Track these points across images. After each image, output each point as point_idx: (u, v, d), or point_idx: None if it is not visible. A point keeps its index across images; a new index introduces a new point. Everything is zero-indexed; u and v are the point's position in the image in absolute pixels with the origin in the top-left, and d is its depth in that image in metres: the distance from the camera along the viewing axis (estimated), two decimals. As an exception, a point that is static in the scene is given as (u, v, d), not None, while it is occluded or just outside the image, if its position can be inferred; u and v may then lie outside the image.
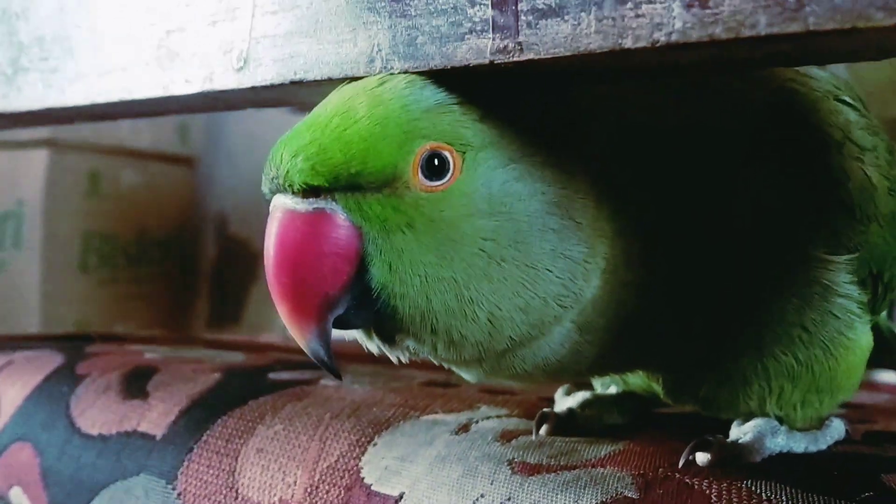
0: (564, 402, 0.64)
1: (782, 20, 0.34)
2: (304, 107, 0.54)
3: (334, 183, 0.44)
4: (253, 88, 0.50)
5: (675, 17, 0.36)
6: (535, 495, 0.50)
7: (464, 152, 0.45)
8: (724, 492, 0.48)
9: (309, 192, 0.45)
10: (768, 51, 0.39)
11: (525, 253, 0.46)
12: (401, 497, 0.54)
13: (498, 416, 0.63)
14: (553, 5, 0.39)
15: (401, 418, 0.62)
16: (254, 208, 2.36)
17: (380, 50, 0.45)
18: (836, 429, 0.60)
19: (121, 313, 2.19)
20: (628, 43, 0.37)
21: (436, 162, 0.45)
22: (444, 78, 0.46)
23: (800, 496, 0.48)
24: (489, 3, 0.41)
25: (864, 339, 0.57)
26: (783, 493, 0.48)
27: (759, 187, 0.52)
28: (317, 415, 0.64)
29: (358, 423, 0.62)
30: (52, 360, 0.81)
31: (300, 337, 0.46)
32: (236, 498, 0.61)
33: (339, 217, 0.45)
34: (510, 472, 0.53)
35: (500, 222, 0.46)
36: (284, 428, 0.63)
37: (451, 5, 0.42)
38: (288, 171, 0.45)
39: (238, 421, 0.65)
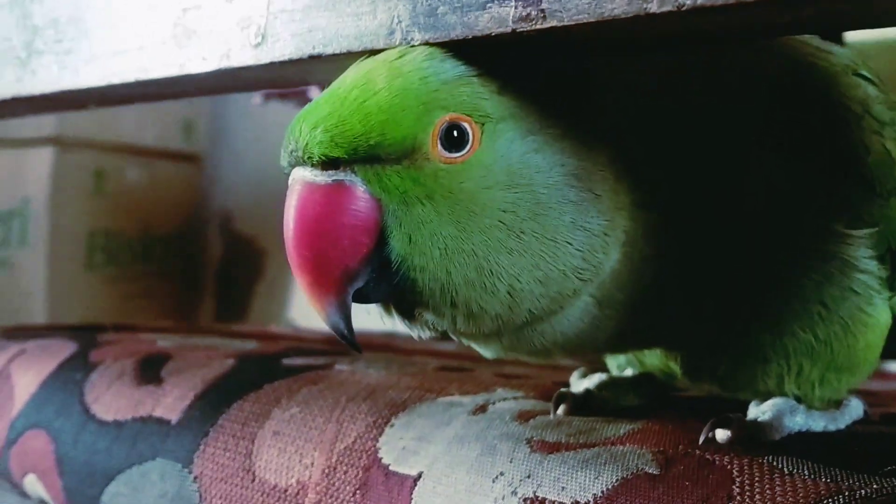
0: (581, 383, 0.64)
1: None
2: (322, 86, 0.54)
3: (353, 154, 0.44)
4: (270, 64, 0.50)
5: (700, -19, 0.36)
6: (555, 472, 0.50)
7: (483, 124, 0.45)
8: (745, 467, 0.48)
9: (328, 164, 0.45)
10: (792, 16, 0.38)
11: (544, 225, 0.46)
12: (419, 476, 0.54)
13: (514, 398, 0.62)
14: (576, -29, 0.39)
15: (417, 400, 0.62)
16: (259, 205, 2.36)
17: (400, 21, 0.45)
18: (855, 408, 0.59)
19: (127, 310, 2.19)
20: (653, 7, 0.37)
21: (455, 133, 0.45)
22: (462, 50, 0.46)
23: (822, 470, 0.47)
24: (511, -29, 0.41)
25: (883, 316, 0.56)
26: (805, 467, 0.48)
27: (774, 162, 0.52)
28: (333, 397, 0.64)
29: (374, 406, 0.61)
30: (65, 348, 0.81)
31: (320, 309, 0.46)
32: (253, 480, 0.61)
33: (359, 189, 0.45)
34: (529, 450, 0.53)
35: (519, 194, 0.46)
36: (301, 411, 0.63)
37: (472, -26, 0.42)
38: (307, 144, 0.45)
39: (254, 404, 0.65)
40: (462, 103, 0.45)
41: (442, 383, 0.65)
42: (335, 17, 0.47)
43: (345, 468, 0.57)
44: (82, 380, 0.75)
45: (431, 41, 0.45)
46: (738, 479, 0.47)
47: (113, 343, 0.81)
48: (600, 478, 0.49)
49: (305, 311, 2.14)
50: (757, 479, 0.47)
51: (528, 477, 0.50)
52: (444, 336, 0.50)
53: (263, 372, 0.70)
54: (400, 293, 0.46)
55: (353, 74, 0.46)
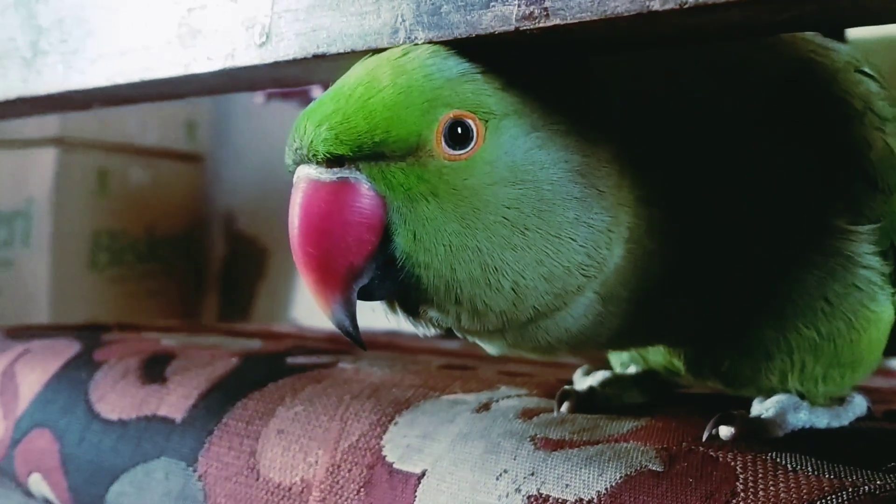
0: (584, 381, 0.64)
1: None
2: (325, 85, 0.54)
3: (358, 152, 0.44)
4: (275, 64, 0.50)
5: (702, -21, 0.36)
6: (559, 470, 0.50)
7: (486, 120, 0.45)
8: (749, 463, 0.48)
9: (333, 161, 0.45)
10: (793, 14, 0.39)
11: (548, 221, 0.46)
12: (423, 474, 0.54)
13: (518, 396, 0.63)
14: (579, -30, 0.39)
15: (421, 398, 0.62)
16: (262, 205, 2.36)
17: (403, 20, 0.45)
18: (858, 405, 0.60)
19: (130, 310, 2.19)
20: (656, 5, 0.37)
21: (459, 130, 0.45)
22: (466, 48, 0.46)
23: (825, 466, 0.47)
24: (514, -31, 0.41)
25: (886, 311, 0.56)
26: (808, 464, 0.48)
27: (776, 159, 0.52)
28: (337, 396, 0.64)
29: (378, 404, 0.62)
30: (69, 348, 0.81)
31: (325, 307, 0.46)
32: (257, 478, 0.61)
33: (364, 186, 0.45)
34: (533, 447, 0.53)
35: (523, 190, 0.46)
36: (305, 409, 0.63)
37: (476, -27, 0.42)
38: (312, 141, 0.45)
39: (258, 403, 0.66)
40: (466, 100, 0.45)
41: (446, 381, 0.66)
42: (339, 17, 0.47)
43: (349, 466, 0.57)
44: (87, 379, 0.75)
45: (435, 40, 0.45)
46: (741, 476, 0.47)
47: (117, 342, 0.82)
48: (604, 475, 0.49)
49: (308, 310, 2.15)
50: (760, 475, 0.47)
51: (532, 474, 0.51)
52: (449, 333, 0.50)
53: (267, 371, 0.70)
54: (404, 290, 0.47)
55: (356, 72, 0.47)
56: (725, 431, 0.52)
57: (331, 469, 0.58)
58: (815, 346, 0.55)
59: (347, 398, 0.63)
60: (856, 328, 0.55)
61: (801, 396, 0.57)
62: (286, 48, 0.50)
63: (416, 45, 0.46)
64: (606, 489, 0.48)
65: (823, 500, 0.44)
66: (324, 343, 0.86)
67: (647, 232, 0.49)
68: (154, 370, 0.74)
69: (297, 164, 0.46)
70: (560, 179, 0.46)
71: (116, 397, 0.72)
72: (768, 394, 0.57)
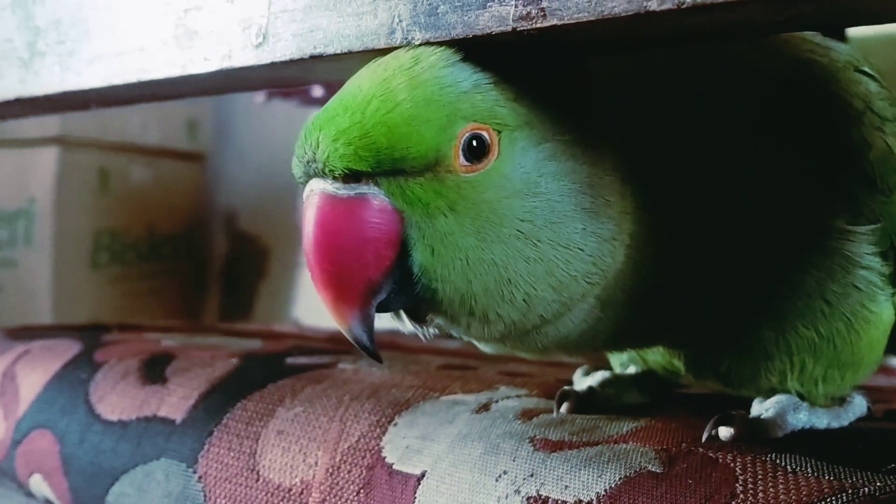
0: (584, 381, 0.64)
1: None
2: (322, 84, 0.54)
3: (377, 168, 0.44)
4: (272, 65, 0.50)
5: (699, -21, 0.36)
6: (558, 471, 0.50)
7: (500, 132, 0.45)
8: (748, 465, 0.48)
9: (350, 176, 0.44)
10: (792, 13, 0.38)
11: (558, 233, 0.46)
12: (423, 475, 0.54)
13: (518, 396, 0.62)
14: (576, -30, 0.39)
15: (420, 399, 0.62)
16: (263, 204, 2.36)
17: (400, 21, 0.45)
18: (859, 405, 0.59)
19: (132, 310, 2.19)
20: (653, 5, 0.37)
21: (474, 143, 0.45)
22: (472, 55, 0.46)
23: (825, 468, 0.47)
24: (510, -30, 0.41)
25: (886, 312, 0.56)
26: (808, 465, 0.48)
27: (776, 159, 0.52)
28: (336, 397, 0.64)
29: (378, 404, 0.61)
30: (70, 349, 0.81)
31: (343, 323, 0.45)
32: (257, 480, 0.61)
33: (382, 202, 0.44)
34: (532, 448, 0.53)
35: (536, 202, 0.46)
36: (304, 410, 0.63)
37: (472, -27, 0.42)
38: (328, 156, 0.44)
39: (258, 404, 0.65)
40: (482, 112, 0.45)
41: (445, 382, 0.65)
42: (336, 17, 0.47)
43: (348, 467, 0.57)
44: (87, 380, 0.75)
45: (432, 40, 0.45)
46: (741, 477, 0.47)
47: (118, 343, 0.81)
48: (603, 476, 0.49)
49: (310, 309, 2.15)
50: (760, 476, 0.47)
51: (531, 475, 0.50)
52: (448, 334, 0.50)
53: (268, 371, 0.70)
54: (418, 302, 0.46)
55: (368, 83, 0.46)
56: (725, 432, 0.52)
57: (330, 470, 0.58)
58: (814, 347, 0.55)
59: (347, 399, 0.63)
60: (855, 329, 0.55)
61: (801, 397, 0.56)
62: (283, 49, 0.50)
63: (425, 50, 0.45)
64: (606, 490, 0.48)
65: (823, 502, 0.44)
66: (324, 343, 0.86)
67: (647, 237, 0.49)
68: (154, 371, 0.74)
69: (309, 177, 0.45)
70: (570, 191, 0.46)
71: (117, 398, 0.72)
72: (768, 394, 0.57)
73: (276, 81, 0.61)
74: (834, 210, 0.53)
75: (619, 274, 0.49)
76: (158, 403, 0.69)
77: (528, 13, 0.40)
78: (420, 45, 0.46)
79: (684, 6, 0.36)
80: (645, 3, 0.36)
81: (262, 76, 0.54)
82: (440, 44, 0.45)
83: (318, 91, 1.63)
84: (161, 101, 0.67)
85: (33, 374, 0.79)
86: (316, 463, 0.59)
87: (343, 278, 0.45)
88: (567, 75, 0.49)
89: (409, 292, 0.46)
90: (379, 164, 0.44)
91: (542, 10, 0.40)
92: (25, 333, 0.88)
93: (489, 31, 0.42)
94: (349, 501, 0.56)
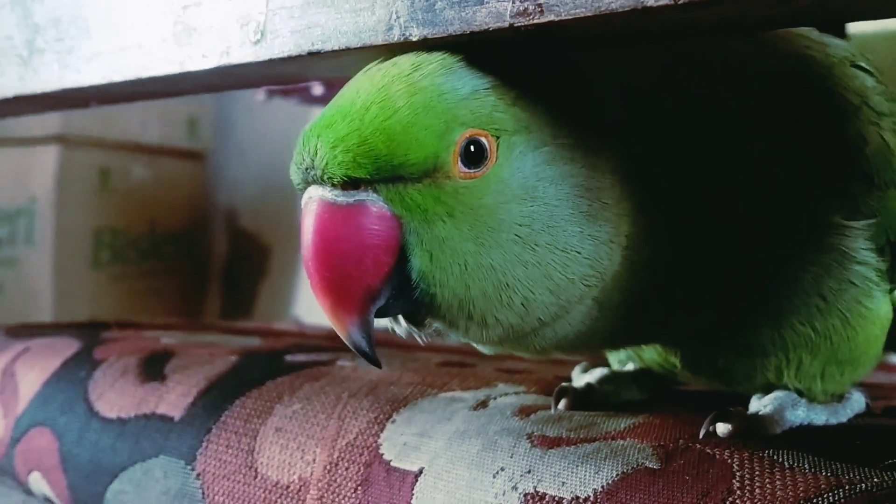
0: (582, 378, 0.64)
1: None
2: (321, 81, 0.54)
3: (376, 175, 0.44)
4: (270, 61, 0.50)
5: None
6: (556, 467, 0.50)
7: (498, 137, 0.45)
8: (745, 461, 0.48)
9: (348, 183, 0.44)
10: (788, 9, 0.38)
11: (556, 237, 0.46)
12: (420, 472, 0.54)
13: (516, 393, 0.62)
14: (573, -35, 0.39)
15: (419, 396, 0.62)
16: (264, 202, 2.36)
17: (398, 17, 0.45)
18: (857, 402, 0.59)
19: (133, 308, 2.19)
20: (650, 1, 0.37)
21: (472, 149, 0.45)
22: (471, 57, 0.46)
23: (822, 464, 0.47)
24: (508, -35, 0.41)
25: (883, 308, 0.56)
26: (805, 461, 0.48)
27: (772, 155, 0.52)
28: (335, 394, 0.64)
29: (376, 401, 0.61)
30: (69, 346, 0.81)
31: (342, 330, 0.45)
32: (255, 477, 0.61)
33: (381, 208, 0.44)
34: (530, 445, 0.53)
35: (534, 207, 0.46)
36: (303, 407, 0.63)
37: (470, -31, 0.42)
38: (327, 163, 0.44)
39: (256, 401, 0.65)
40: (480, 118, 0.45)
41: (443, 379, 0.65)
42: (334, 14, 0.47)
43: (346, 464, 0.57)
44: (86, 377, 0.75)
45: (430, 37, 0.45)
46: (738, 473, 0.47)
47: (117, 341, 0.81)
48: (600, 472, 0.49)
49: (310, 307, 2.15)
50: (757, 473, 0.47)
51: (529, 472, 0.50)
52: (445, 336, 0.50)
53: (266, 369, 0.70)
54: (417, 307, 0.46)
55: (366, 89, 0.45)
56: (723, 428, 0.52)
57: (328, 467, 0.58)
58: (811, 343, 0.55)
59: (345, 396, 0.63)
60: (851, 325, 0.55)
61: (800, 393, 0.56)
62: (281, 46, 0.50)
63: (425, 56, 0.45)
64: (603, 487, 0.48)
65: (820, 498, 0.44)
66: (324, 340, 0.86)
67: (644, 237, 0.49)
68: (153, 368, 0.74)
69: (308, 183, 0.45)
70: (568, 195, 0.46)
71: (115, 395, 0.72)
72: (767, 390, 0.57)
73: (275, 78, 0.61)
74: (830, 206, 0.53)
75: (616, 275, 0.49)
76: (157, 401, 0.69)
77: (526, 9, 0.40)
78: (420, 51, 0.46)
79: (681, 1, 0.36)
80: (642, -1, 0.36)
81: (260, 73, 0.54)
82: (440, 47, 0.45)
83: (318, 89, 1.63)
84: (160, 98, 0.67)
85: (32, 371, 0.79)
86: (314, 460, 0.59)
87: (342, 285, 0.45)
88: (565, 75, 0.49)
89: (408, 297, 0.46)
90: (378, 171, 0.44)
91: (540, 6, 0.40)
92: (25, 331, 0.88)
93: (486, 28, 0.42)
94: (347, 498, 0.56)
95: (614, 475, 0.48)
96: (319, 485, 0.58)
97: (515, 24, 0.41)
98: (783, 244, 0.53)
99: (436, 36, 0.44)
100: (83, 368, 0.76)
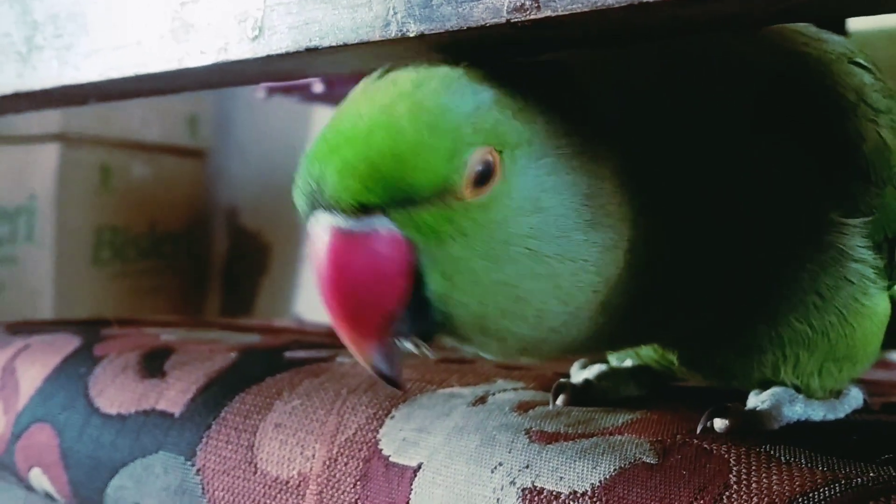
0: (581, 374, 0.64)
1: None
2: (325, 79, 0.54)
3: (387, 199, 0.43)
4: (268, 58, 0.50)
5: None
6: (553, 462, 0.50)
7: (501, 151, 0.45)
8: (742, 456, 0.48)
9: (358, 209, 0.43)
10: (786, 4, 0.38)
11: (564, 246, 0.46)
12: (419, 467, 0.54)
13: (514, 389, 0.63)
14: (570, -39, 0.39)
15: (417, 392, 0.62)
16: (264, 200, 2.37)
17: (395, 13, 0.45)
18: (855, 398, 0.60)
19: (133, 306, 2.20)
20: (646, -3, 0.37)
21: (479, 168, 0.44)
22: (471, 67, 0.45)
23: (819, 459, 0.48)
24: (505, -38, 0.41)
25: (880, 305, 0.56)
26: (802, 456, 0.48)
27: (769, 153, 0.52)
28: (334, 390, 0.64)
29: (375, 397, 0.62)
30: (69, 343, 0.81)
31: (363, 357, 0.45)
32: (255, 472, 0.61)
33: (393, 232, 0.44)
34: (528, 440, 0.53)
35: (540, 219, 0.45)
36: (302, 403, 0.63)
37: (467, -35, 0.42)
38: (336, 190, 0.43)
39: (256, 397, 0.66)
40: (485, 135, 0.44)
41: (442, 375, 0.66)
42: (331, 10, 0.47)
43: (345, 459, 0.58)
44: (87, 374, 0.75)
45: (427, 32, 0.45)
46: (734, 469, 0.47)
47: (117, 337, 0.82)
48: (598, 467, 0.49)
49: (311, 305, 2.15)
50: (754, 468, 0.47)
51: (527, 467, 0.51)
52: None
53: (266, 365, 0.71)
54: (431, 326, 0.46)
55: (368, 109, 0.45)
56: (720, 424, 0.52)
57: (328, 462, 0.58)
58: (808, 340, 0.55)
59: (345, 392, 0.63)
60: (849, 322, 0.55)
61: (798, 390, 0.57)
62: (279, 42, 0.50)
63: (425, 73, 0.45)
64: (600, 482, 0.48)
65: (816, 493, 0.44)
66: (323, 337, 0.87)
67: (644, 239, 0.49)
68: (153, 364, 0.74)
69: (315, 209, 0.45)
70: (572, 204, 0.46)
71: (116, 392, 0.72)
72: (764, 387, 0.57)
73: (273, 75, 0.61)
74: (828, 204, 0.53)
75: (619, 279, 0.49)
76: (157, 397, 0.70)
77: (523, 4, 0.40)
78: (414, 48, 0.45)
79: (676, -3, 0.36)
80: (638, -5, 0.36)
81: (258, 69, 0.54)
82: (438, 42, 0.45)
83: (318, 87, 1.63)
84: (159, 94, 0.67)
85: (33, 368, 0.79)
86: (313, 455, 0.59)
87: (360, 313, 0.44)
88: (562, 77, 0.48)
89: (424, 318, 0.45)
90: (388, 195, 0.43)
91: (537, 1, 0.40)
92: (25, 328, 0.89)
93: (483, 23, 0.42)
94: (346, 493, 0.56)
95: (612, 470, 0.48)
96: (319, 480, 0.58)
97: (512, 20, 0.41)
98: (781, 242, 0.53)
99: (433, 31, 0.44)
100: (83, 365, 0.77)
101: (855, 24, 1.16)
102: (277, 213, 2.33)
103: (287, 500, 0.59)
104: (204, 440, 0.64)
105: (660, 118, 0.50)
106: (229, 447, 0.63)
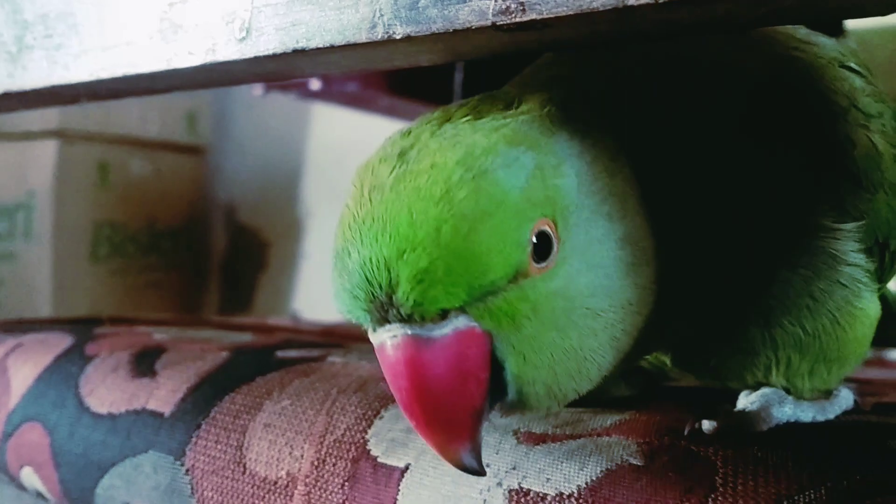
0: (571, 375, 0.63)
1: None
2: (306, 78, 0.54)
3: (467, 300, 0.41)
4: (256, 59, 0.50)
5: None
6: (541, 464, 0.50)
7: (555, 218, 0.43)
8: (729, 458, 0.48)
9: (439, 315, 0.41)
10: (773, 7, 0.38)
11: (614, 296, 0.45)
12: (407, 468, 0.54)
13: (505, 390, 0.62)
14: (555, -36, 0.39)
15: (408, 392, 0.62)
16: (263, 197, 2.37)
17: (382, 15, 0.44)
18: (845, 399, 0.60)
19: (132, 302, 2.20)
20: (631, 0, 0.37)
21: (537, 241, 0.42)
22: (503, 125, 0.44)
23: (806, 461, 0.47)
24: (490, -36, 0.41)
25: (871, 308, 0.56)
26: (790, 458, 0.48)
27: (760, 158, 0.52)
28: (324, 390, 0.64)
29: (365, 398, 0.62)
30: (61, 342, 0.81)
31: (455, 459, 0.43)
32: (244, 472, 0.61)
33: (473, 329, 0.42)
34: (515, 441, 0.53)
35: (594, 275, 0.45)
36: (292, 403, 0.63)
37: (453, -32, 0.42)
38: (415, 301, 0.40)
39: (246, 397, 0.66)
40: (541, 206, 0.42)
41: (433, 375, 0.65)
42: (318, 11, 0.47)
43: (334, 460, 0.57)
44: (78, 373, 0.75)
45: (413, 35, 0.45)
46: (721, 471, 0.47)
47: (109, 336, 0.82)
48: (585, 469, 0.49)
49: (309, 302, 2.15)
50: (741, 470, 0.47)
51: (514, 468, 0.51)
52: None
53: (257, 364, 0.70)
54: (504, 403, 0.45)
55: (418, 203, 0.41)
56: (707, 425, 0.52)
57: (316, 463, 0.58)
58: (800, 343, 0.55)
59: (334, 392, 0.63)
60: (841, 325, 0.55)
61: (788, 391, 0.57)
62: (266, 43, 0.50)
63: (465, 145, 0.42)
64: (587, 483, 0.48)
65: (802, 495, 0.44)
66: (316, 336, 0.87)
67: (653, 260, 0.48)
68: (144, 364, 0.74)
69: (383, 321, 0.42)
70: (613, 251, 0.45)
71: (106, 391, 0.72)
72: (755, 388, 0.57)
73: (261, 76, 0.61)
74: (820, 209, 0.53)
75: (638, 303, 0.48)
76: (147, 396, 0.70)
77: (508, 7, 0.40)
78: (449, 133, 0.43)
79: (661, 1, 0.36)
80: (622, -2, 0.36)
81: (246, 70, 0.54)
82: (423, 44, 0.44)
83: (315, 84, 1.63)
84: (149, 94, 0.67)
85: (25, 367, 0.79)
86: (302, 456, 0.59)
87: (451, 419, 0.42)
88: (572, 114, 0.47)
89: (502, 398, 0.44)
90: (469, 295, 0.41)
91: (521, 4, 0.40)
92: (18, 327, 0.89)
93: (469, 26, 0.42)
94: (334, 494, 0.56)
95: (598, 472, 0.48)
96: (307, 480, 0.58)
97: (498, 23, 0.41)
98: (775, 247, 0.53)
99: (419, 34, 0.44)
100: (75, 364, 0.77)
101: (852, 22, 1.16)
102: (276, 210, 2.33)
103: (275, 500, 0.59)
104: (193, 440, 0.64)
105: (656, 132, 0.49)
106: (219, 447, 0.63)
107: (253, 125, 2.34)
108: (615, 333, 0.46)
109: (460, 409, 0.42)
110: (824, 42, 0.56)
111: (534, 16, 0.40)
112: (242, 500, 0.60)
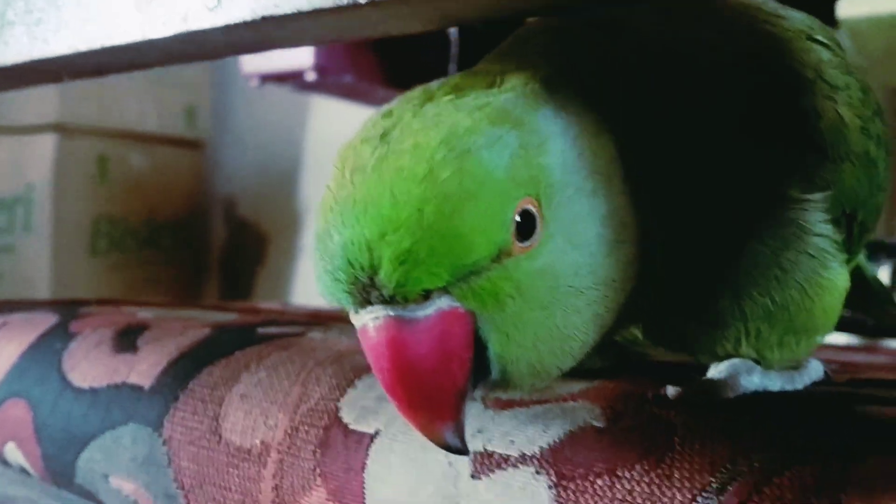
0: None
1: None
2: (279, 48, 0.55)
3: (450, 280, 0.41)
4: (227, 28, 0.50)
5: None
6: (506, 426, 0.51)
7: (538, 196, 0.43)
8: (690, 422, 0.48)
9: (422, 296, 0.41)
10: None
11: (597, 274, 0.46)
12: (376, 433, 0.55)
13: (479, 362, 0.63)
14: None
15: (382, 364, 0.62)
16: (262, 191, 2.37)
17: (346, -20, 0.45)
18: (815, 369, 0.60)
19: (131, 297, 2.21)
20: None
21: (519, 219, 0.42)
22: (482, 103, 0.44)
23: (769, 425, 0.48)
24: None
25: (840, 279, 0.57)
26: (749, 421, 0.48)
27: (728, 130, 0.52)
28: (300, 362, 0.64)
29: (340, 369, 0.62)
30: (47, 320, 0.82)
31: (437, 439, 0.44)
32: (219, 442, 0.62)
33: (456, 309, 0.42)
34: (483, 407, 0.53)
35: (578, 253, 0.45)
36: (268, 375, 0.64)
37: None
38: (397, 282, 0.40)
39: (224, 370, 0.66)
40: (525, 184, 0.42)
41: (409, 348, 0.66)
42: (286, -22, 0.47)
43: (307, 428, 0.58)
44: (61, 349, 0.76)
45: (379, 0, 0.45)
46: (680, 432, 0.47)
47: (94, 315, 0.83)
48: (548, 431, 0.49)
49: (308, 295, 2.16)
50: (700, 431, 0.47)
51: (480, 432, 0.51)
52: None
53: (237, 340, 0.71)
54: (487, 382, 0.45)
55: (400, 182, 0.41)
56: (672, 391, 0.52)
57: (289, 431, 0.59)
58: (769, 314, 0.55)
59: (311, 364, 0.64)
60: (809, 295, 0.55)
61: (757, 362, 0.57)
62: (238, 12, 0.50)
63: (448, 123, 0.42)
64: (549, 444, 0.49)
65: (760, 454, 0.45)
66: (300, 317, 0.87)
67: (634, 238, 0.48)
68: (127, 340, 0.75)
69: (365, 303, 0.41)
70: (597, 229, 0.46)
71: (89, 366, 0.73)
72: (724, 360, 0.57)
73: (236, 47, 0.61)
74: (787, 180, 0.53)
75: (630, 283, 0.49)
76: (129, 371, 0.70)
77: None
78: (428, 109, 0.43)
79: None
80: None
81: (220, 40, 0.55)
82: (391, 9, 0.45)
83: (311, 75, 1.64)
84: (129, 70, 0.67)
85: (10, 344, 0.80)
86: (276, 424, 0.60)
87: (435, 399, 0.43)
88: (555, 91, 0.47)
89: (485, 376, 0.45)
90: (453, 275, 0.41)
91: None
92: (4, 307, 0.89)
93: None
94: (305, 460, 0.57)
95: (561, 434, 0.49)
96: (280, 448, 0.58)
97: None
98: (743, 218, 0.53)
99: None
100: (59, 340, 0.77)
101: (845, 11, 1.16)
102: (275, 204, 2.33)
103: (249, 468, 0.59)
104: (171, 411, 0.65)
105: (633, 106, 0.50)
106: (196, 418, 0.64)
107: (252, 119, 2.35)
108: (598, 310, 0.47)
109: (444, 390, 0.42)
110: (793, 15, 0.56)
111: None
112: (217, 468, 0.61)
